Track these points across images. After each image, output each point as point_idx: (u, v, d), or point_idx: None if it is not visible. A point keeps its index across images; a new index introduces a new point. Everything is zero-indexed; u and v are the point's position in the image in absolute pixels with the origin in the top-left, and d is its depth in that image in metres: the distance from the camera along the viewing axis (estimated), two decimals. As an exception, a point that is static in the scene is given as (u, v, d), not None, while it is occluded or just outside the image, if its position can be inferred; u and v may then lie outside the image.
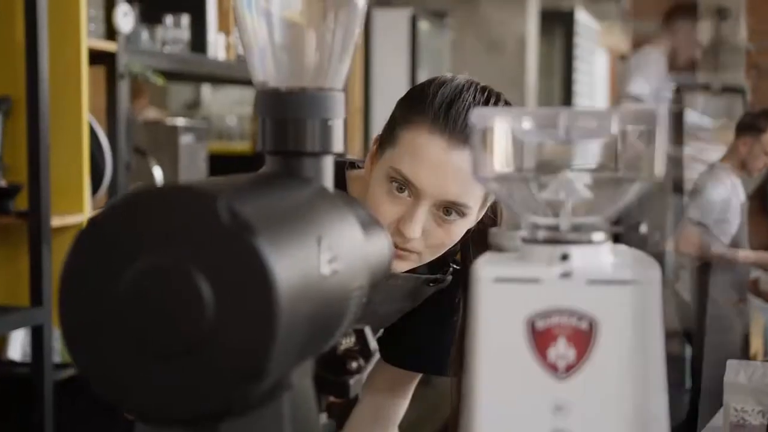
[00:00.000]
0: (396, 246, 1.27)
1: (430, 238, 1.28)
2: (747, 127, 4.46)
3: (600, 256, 0.70)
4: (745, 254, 4.52)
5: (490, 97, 1.28)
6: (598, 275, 0.68)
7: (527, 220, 0.72)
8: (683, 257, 4.55)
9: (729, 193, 4.37)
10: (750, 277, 4.61)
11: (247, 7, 0.80)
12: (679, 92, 4.60)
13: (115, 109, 2.66)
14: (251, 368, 0.61)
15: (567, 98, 7.45)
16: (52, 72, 2.41)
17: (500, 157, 0.72)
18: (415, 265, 1.32)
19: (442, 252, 1.32)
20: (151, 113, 4.16)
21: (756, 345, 4.70)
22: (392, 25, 5.87)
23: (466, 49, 5.61)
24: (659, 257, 4.56)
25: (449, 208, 1.26)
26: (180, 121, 3.22)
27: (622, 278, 0.68)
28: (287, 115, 0.78)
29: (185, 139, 3.07)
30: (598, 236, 0.70)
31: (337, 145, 0.80)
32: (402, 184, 1.25)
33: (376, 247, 0.86)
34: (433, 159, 1.24)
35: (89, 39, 2.56)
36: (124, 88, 2.67)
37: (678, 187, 4.63)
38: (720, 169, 4.49)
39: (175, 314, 0.61)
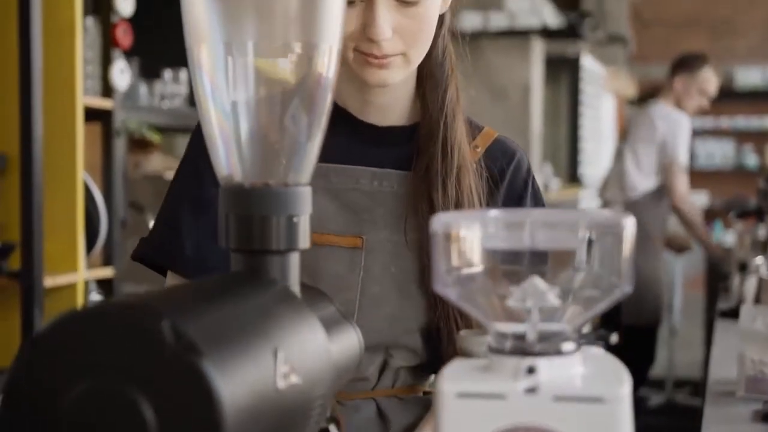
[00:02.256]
0: (375, 56, 1.19)
1: (405, 33, 1.19)
2: (683, 65, 4.49)
3: (569, 368, 0.67)
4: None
5: None
6: (566, 391, 0.65)
7: (493, 328, 0.69)
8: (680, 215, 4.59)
9: (689, 128, 4.48)
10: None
11: (212, 99, 0.78)
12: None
13: (111, 166, 2.64)
14: (198, 495, 0.58)
15: (573, 143, 7.43)
16: (47, 130, 2.40)
17: (464, 263, 0.69)
18: (406, 71, 1.23)
19: (428, 44, 1.23)
20: (158, 162, 4.14)
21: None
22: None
23: (470, 96, 5.59)
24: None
25: None
26: (179, 175, 3.19)
27: (592, 395, 0.65)
28: (252, 212, 0.76)
29: (184, 193, 3.04)
30: (568, 346, 0.68)
31: (304, 242, 0.77)
32: None
33: (343, 345, 0.83)
34: None
35: (85, 96, 2.55)
36: (120, 145, 2.66)
37: None
38: (668, 108, 4.50)
39: (117, 439, 0.58)
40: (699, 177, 10.27)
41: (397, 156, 1.29)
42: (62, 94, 2.47)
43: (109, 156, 2.65)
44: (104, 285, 2.70)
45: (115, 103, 2.68)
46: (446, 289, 0.69)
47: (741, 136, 10.17)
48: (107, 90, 2.66)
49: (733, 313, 2.99)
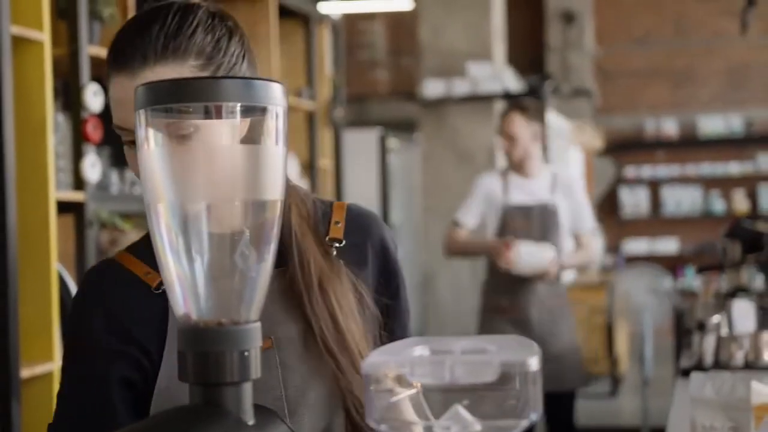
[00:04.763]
0: None
1: None
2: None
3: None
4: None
5: (162, 12, 1.23)
6: None
7: (421, 453, 0.79)
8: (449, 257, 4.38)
9: (484, 195, 4.21)
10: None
11: (168, 248, 0.87)
12: None
13: (84, 256, 2.73)
14: None
15: (542, 198, 7.54)
16: (21, 224, 2.49)
17: (392, 397, 0.79)
18: None
19: None
20: (133, 239, 4.20)
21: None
22: (363, 144, 6.04)
23: (436, 161, 5.74)
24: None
25: None
26: (151, 256, 3.28)
27: None
28: (207, 349, 0.85)
29: (156, 274, 3.13)
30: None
31: (255, 372, 0.87)
32: (126, 136, 1.21)
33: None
34: (126, 96, 1.19)
35: (58, 191, 2.65)
36: (92, 236, 2.76)
37: None
38: (481, 175, 4.37)
39: None
40: (668, 224, 10.45)
41: None
42: (35, 188, 2.56)
43: (82, 246, 2.74)
44: (80, 371, 2.76)
45: (87, 196, 2.78)
46: (378, 423, 0.78)
47: (707, 183, 10.37)
48: (79, 183, 2.76)
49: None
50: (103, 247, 3.04)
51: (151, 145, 0.87)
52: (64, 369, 1.29)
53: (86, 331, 1.27)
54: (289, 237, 1.32)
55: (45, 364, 2.56)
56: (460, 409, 0.79)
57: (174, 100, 0.86)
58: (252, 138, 0.88)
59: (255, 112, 0.87)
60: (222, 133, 0.92)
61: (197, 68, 1.23)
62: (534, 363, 0.77)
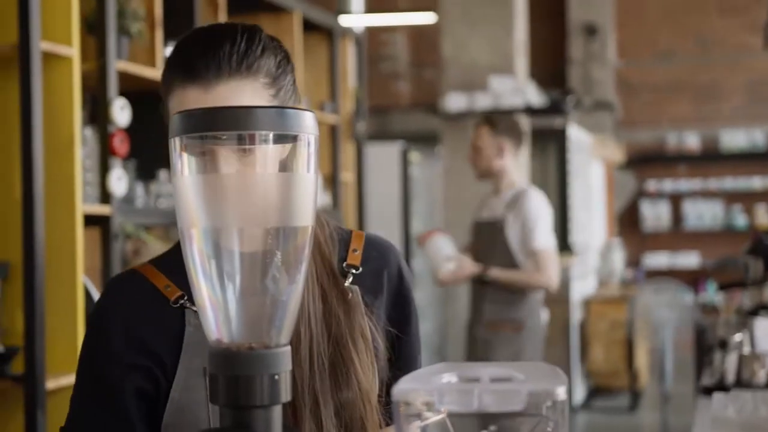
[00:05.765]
0: None
1: None
2: None
3: None
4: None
5: (229, 30, 1.26)
6: None
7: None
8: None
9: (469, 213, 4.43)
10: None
11: (203, 276, 0.89)
12: None
13: (110, 269, 2.76)
14: None
15: (563, 212, 7.54)
16: (48, 237, 2.52)
17: (421, 422, 0.80)
18: None
19: None
20: (156, 249, 4.23)
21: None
22: (384, 157, 6.06)
23: (457, 174, 5.75)
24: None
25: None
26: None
27: None
28: (238, 373, 0.86)
29: (180, 287, 3.15)
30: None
31: (285, 396, 0.88)
32: None
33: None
34: (195, 107, 1.19)
35: (85, 204, 2.68)
36: (118, 249, 2.78)
37: None
38: None
39: None
40: (689, 238, 10.41)
41: None
42: (63, 202, 2.60)
43: (107, 259, 2.77)
44: (104, 382, 2.79)
45: (113, 209, 2.81)
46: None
47: (729, 197, 10.33)
48: (105, 196, 2.80)
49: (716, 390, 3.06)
50: (127, 256, 3.07)
51: (185, 172, 0.89)
52: (80, 374, 1.31)
53: (104, 340, 1.29)
54: None
55: (70, 376, 2.59)
56: (489, 435, 0.80)
57: (209, 129, 0.88)
58: (284, 165, 0.89)
59: (287, 139, 0.89)
60: (255, 160, 0.93)
61: (267, 86, 1.26)
62: (562, 392, 0.78)
